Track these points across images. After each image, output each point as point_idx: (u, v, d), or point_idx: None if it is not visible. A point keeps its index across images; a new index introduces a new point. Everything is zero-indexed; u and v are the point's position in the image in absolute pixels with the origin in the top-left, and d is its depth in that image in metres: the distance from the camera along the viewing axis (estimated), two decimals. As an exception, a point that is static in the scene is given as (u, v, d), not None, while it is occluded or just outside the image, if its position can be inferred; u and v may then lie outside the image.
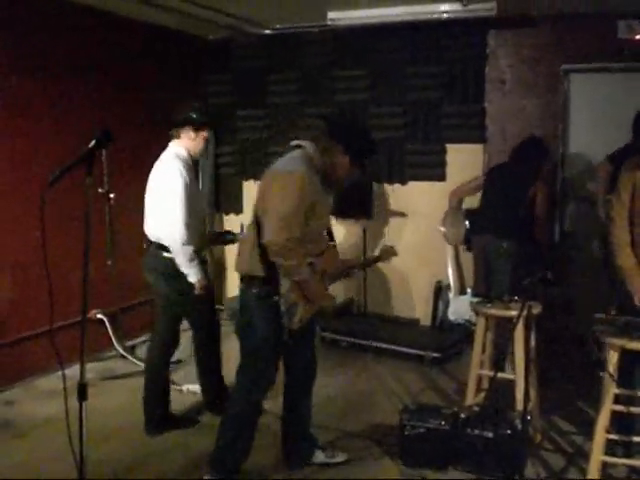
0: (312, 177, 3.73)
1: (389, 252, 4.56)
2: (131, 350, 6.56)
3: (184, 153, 4.81)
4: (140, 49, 6.93)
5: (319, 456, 4.39)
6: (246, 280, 3.87)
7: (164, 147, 7.26)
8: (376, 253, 4.25)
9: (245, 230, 4.06)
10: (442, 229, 6.80)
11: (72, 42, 6.17)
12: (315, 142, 3.86)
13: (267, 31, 7.44)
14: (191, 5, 6.19)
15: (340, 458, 4.43)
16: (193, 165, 4.88)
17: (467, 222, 6.37)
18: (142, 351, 6.52)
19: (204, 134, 4.84)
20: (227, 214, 8.05)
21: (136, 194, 6.87)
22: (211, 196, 7.93)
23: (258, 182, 7.35)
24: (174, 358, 6.25)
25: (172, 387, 5.65)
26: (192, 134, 4.80)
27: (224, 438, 4.01)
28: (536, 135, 6.14)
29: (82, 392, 2.88)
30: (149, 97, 7.06)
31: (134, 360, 6.28)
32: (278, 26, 7.36)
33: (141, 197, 6.95)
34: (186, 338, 7.11)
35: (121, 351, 6.42)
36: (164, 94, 7.24)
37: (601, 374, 3.93)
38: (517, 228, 5.78)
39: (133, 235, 6.61)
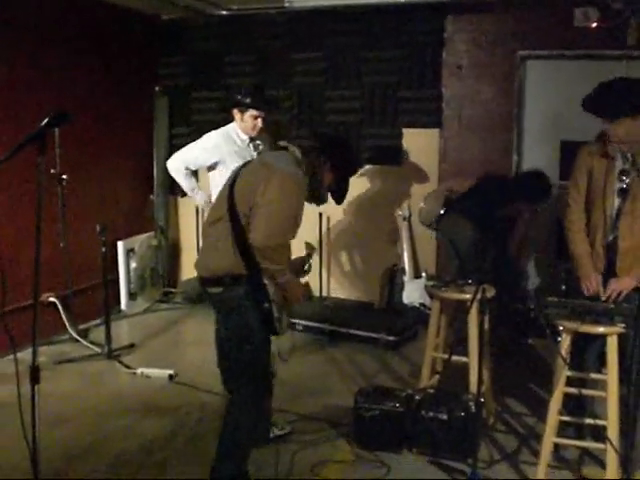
0: (306, 183, 3.65)
1: (312, 247, 4.46)
2: (84, 334, 6.47)
3: (232, 132, 5.12)
4: (92, 28, 6.79)
5: (274, 431, 4.45)
6: (227, 280, 3.61)
7: (117, 129, 7.22)
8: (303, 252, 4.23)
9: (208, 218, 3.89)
10: (401, 212, 6.84)
11: (21, 21, 6.02)
12: (302, 151, 3.73)
13: (223, 12, 7.33)
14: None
15: (288, 428, 4.56)
16: (248, 145, 5.14)
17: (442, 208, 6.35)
18: (95, 335, 6.46)
19: (252, 114, 5.00)
20: (182, 196, 7.97)
21: (89, 175, 6.83)
22: (166, 179, 7.83)
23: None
24: (126, 342, 6.26)
25: (127, 370, 5.65)
26: (239, 115, 5.03)
27: (235, 455, 3.76)
28: (543, 175, 6.08)
29: (34, 375, 2.83)
30: (103, 78, 6.95)
31: (87, 344, 6.19)
32: (234, 7, 7.26)
33: (94, 178, 6.90)
34: (140, 321, 7.11)
35: (74, 334, 6.33)
36: (117, 75, 7.14)
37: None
38: (488, 224, 5.89)
39: (86, 217, 6.56)
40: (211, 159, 5.07)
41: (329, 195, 3.87)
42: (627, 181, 3.92)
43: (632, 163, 3.93)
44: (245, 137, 5.10)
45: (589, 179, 4.10)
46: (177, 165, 5.25)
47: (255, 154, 5.02)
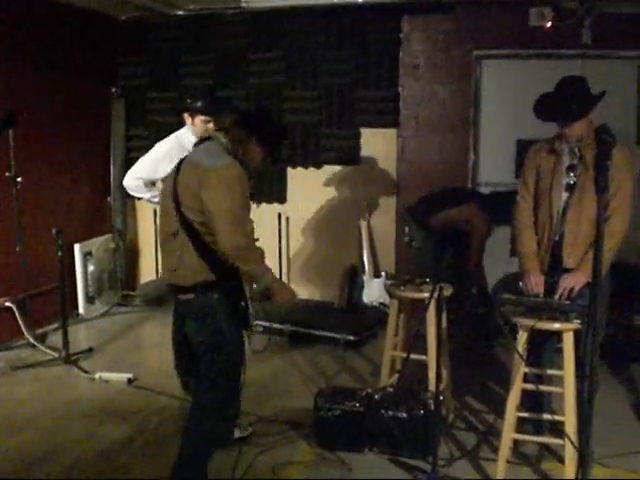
0: (239, 167, 3.62)
1: None
2: (41, 338, 6.37)
3: (184, 137, 5.01)
4: (48, 29, 6.70)
5: (237, 433, 4.45)
6: (199, 288, 3.62)
7: (73, 130, 7.11)
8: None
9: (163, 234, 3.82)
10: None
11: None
12: (226, 133, 3.74)
13: (180, 12, 7.26)
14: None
15: (250, 429, 4.56)
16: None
17: None
18: (53, 339, 6.37)
19: (201, 119, 4.89)
20: (139, 199, 7.90)
21: (45, 178, 6.74)
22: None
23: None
24: (84, 347, 6.18)
25: (85, 375, 5.58)
26: (190, 119, 4.93)
27: (198, 458, 3.74)
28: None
29: (-12, 381, 2.79)
30: (59, 79, 6.85)
31: (44, 349, 6.10)
32: (191, 7, 7.20)
33: (50, 181, 6.82)
34: (98, 325, 7.04)
35: (31, 339, 6.24)
36: (74, 76, 7.06)
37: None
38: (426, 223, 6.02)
39: (42, 220, 6.47)
40: (167, 168, 4.96)
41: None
42: (573, 176, 4.00)
43: (580, 158, 4.00)
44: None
45: (537, 176, 4.16)
46: (132, 182, 5.12)
47: None
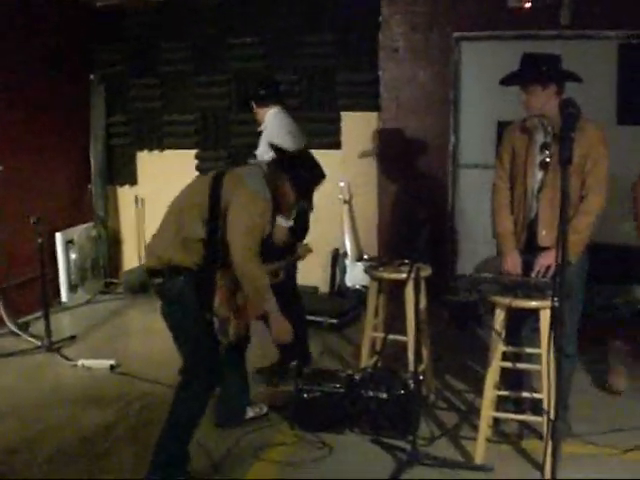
0: (270, 203, 3.72)
1: (306, 250, 4.59)
2: (25, 327, 6.36)
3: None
4: (24, 16, 6.65)
5: (249, 412, 4.49)
6: (168, 270, 3.61)
7: (52, 118, 7.06)
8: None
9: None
10: (341, 196, 6.90)
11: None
12: (269, 166, 3.85)
13: (158, -3, 7.24)
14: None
15: (265, 409, 4.57)
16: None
17: None
18: (36, 328, 6.36)
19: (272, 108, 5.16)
20: (121, 186, 7.90)
21: (24, 166, 6.70)
22: (103, 168, 7.74)
23: (154, 152, 7.22)
24: (67, 334, 6.17)
25: (67, 362, 5.58)
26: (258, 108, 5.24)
27: (174, 438, 3.73)
28: None
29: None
30: (36, 67, 6.81)
31: (27, 337, 6.09)
32: (169, -9, 7.18)
33: (30, 169, 6.78)
34: (81, 313, 7.02)
35: (13, 328, 6.23)
36: (51, 63, 7.01)
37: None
38: None
39: (23, 208, 6.43)
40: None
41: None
42: (548, 154, 4.00)
43: (553, 136, 3.99)
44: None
45: (512, 156, 4.17)
46: None
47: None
